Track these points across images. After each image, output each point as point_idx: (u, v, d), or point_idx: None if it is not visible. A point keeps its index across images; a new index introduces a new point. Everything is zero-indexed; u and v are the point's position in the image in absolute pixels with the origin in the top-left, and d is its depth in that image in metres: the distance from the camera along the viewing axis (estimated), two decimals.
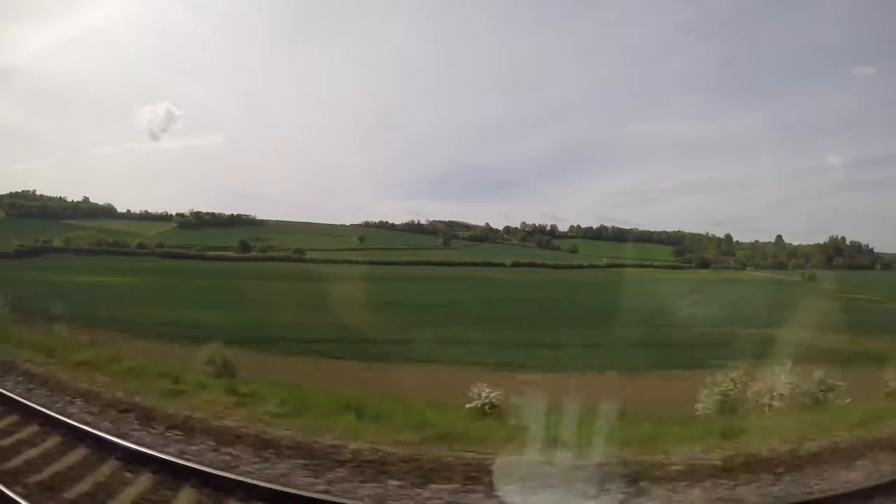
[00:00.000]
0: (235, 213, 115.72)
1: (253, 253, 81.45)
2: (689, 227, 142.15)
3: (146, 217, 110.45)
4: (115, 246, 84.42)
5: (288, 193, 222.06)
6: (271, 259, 79.19)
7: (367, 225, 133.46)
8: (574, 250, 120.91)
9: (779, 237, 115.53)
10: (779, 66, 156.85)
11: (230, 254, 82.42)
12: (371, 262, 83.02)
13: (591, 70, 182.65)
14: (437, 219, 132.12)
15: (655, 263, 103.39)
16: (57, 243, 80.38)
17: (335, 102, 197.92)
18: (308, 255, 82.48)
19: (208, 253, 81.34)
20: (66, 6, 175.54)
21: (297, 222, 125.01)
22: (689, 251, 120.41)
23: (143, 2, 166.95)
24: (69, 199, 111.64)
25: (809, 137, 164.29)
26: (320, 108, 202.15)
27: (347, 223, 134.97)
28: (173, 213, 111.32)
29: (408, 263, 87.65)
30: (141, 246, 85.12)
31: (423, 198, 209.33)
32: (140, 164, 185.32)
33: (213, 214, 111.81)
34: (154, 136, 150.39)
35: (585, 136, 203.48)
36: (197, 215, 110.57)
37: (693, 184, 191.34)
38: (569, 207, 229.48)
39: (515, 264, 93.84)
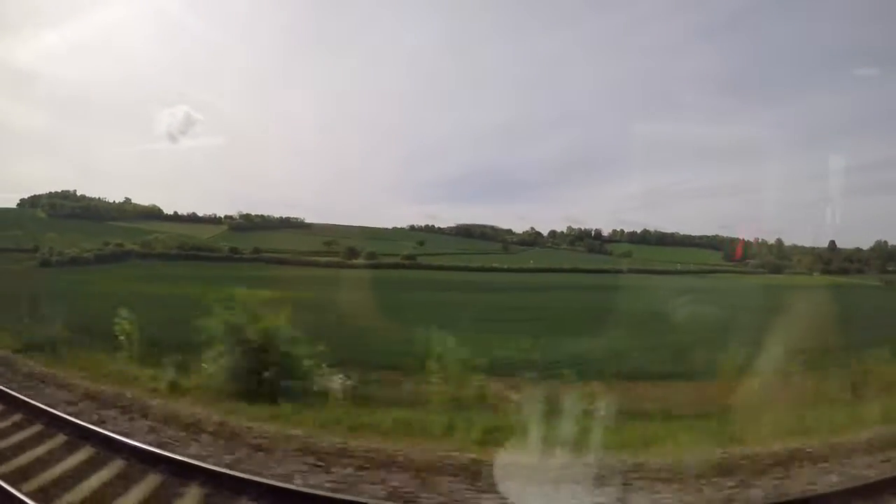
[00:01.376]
0: (284, 216, 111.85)
1: (360, 260, 77.55)
2: (702, 231, 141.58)
3: (194, 219, 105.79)
4: (202, 250, 79.29)
5: (304, 197, 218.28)
6: (395, 266, 75.47)
7: (413, 229, 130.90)
8: (628, 254, 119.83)
9: (832, 242, 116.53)
10: (798, 66, 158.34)
11: (338, 259, 78.30)
12: (519, 270, 79.12)
13: (605, 72, 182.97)
14: (460, 222, 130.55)
15: (730, 269, 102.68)
16: (131, 247, 75.37)
17: (349, 106, 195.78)
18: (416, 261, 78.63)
19: (309, 259, 77.22)
20: (84, 14, 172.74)
21: (346, 225, 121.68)
22: (738, 256, 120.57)
23: (160, 9, 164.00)
24: (109, 200, 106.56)
25: (831, 138, 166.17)
26: (335, 111, 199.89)
27: (389, 226, 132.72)
28: (221, 216, 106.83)
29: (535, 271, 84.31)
30: (234, 251, 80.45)
31: (439, 201, 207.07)
32: (158, 167, 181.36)
33: (262, 217, 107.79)
34: (173, 139, 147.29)
35: (600, 138, 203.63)
36: (247, 218, 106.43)
37: (709, 188, 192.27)
38: (587, 210, 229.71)
39: (611, 271, 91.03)
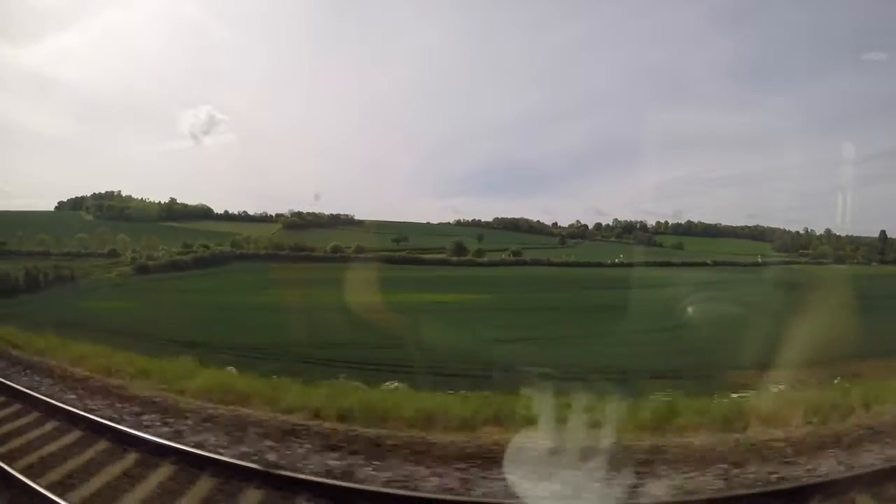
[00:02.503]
0: (334, 213, 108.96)
1: (469, 257, 75.01)
2: (727, 221, 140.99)
3: (246, 218, 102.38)
4: (302, 250, 75.55)
5: (326, 193, 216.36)
6: (500, 263, 72.95)
7: (458, 223, 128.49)
8: (679, 247, 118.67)
9: (883, 232, 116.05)
10: (820, 49, 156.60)
11: (446, 256, 75.73)
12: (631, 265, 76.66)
13: (623, 61, 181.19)
14: (478, 216, 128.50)
15: (797, 260, 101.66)
16: (218, 249, 71.64)
17: (369, 102, 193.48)
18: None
19: (424, 256, 74.31)
20: (107, 19, 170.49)
21: (394, 222, 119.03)
22: (787, 246, 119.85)
23: (180, 14, 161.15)
24: (153, 201, 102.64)
25: (856, 124, 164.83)
26: (355, 108, 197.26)
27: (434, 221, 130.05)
28: (272, 214, 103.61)
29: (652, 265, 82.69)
30: (336, 249, 77.25)
31: (460, 195, 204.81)
32: (180, 166, 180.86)
33: (314, 214, 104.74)
34: (196, 139, 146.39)
35: (621, 128, 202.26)
36: (299, 216, 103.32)
37: (731, 177, 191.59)
38: (609, 202, 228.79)
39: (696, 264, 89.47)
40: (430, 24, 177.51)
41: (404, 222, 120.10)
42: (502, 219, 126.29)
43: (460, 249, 78.88)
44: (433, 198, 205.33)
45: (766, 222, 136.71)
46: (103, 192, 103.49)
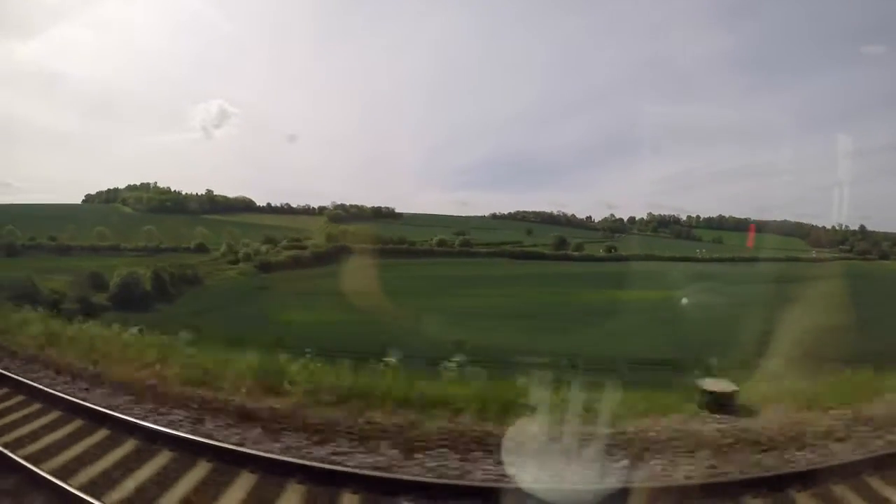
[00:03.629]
0: (376, 206, 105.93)
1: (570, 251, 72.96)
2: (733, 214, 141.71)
3: (288, 210, 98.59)
4: (400, 244, 71.52)
5: (334, 185, 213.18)
6: (595, 259, 71.01)
7: (494, 217, 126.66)
8: (719, 241, 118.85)
9: None
10: (824, 41, 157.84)
11: (548, 251, 73.54)
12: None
13: (626, 55, 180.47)
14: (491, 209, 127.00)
15: (847, 256, 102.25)
16: (312, 243, 66.68)
17: (374, 95, 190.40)
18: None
19: (546, 252, 71.70)
20: (111, 14, 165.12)
21: (431, 214, 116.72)
22: (821, 242, 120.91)
23: (185, 9, 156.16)
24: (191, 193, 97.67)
25: (858, 117, 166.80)
26: (360, 100, 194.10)
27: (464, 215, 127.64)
28: (315, 207, 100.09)
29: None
30: (442, 243, 73.90)
31: (467, 188, 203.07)
32: (189, 159, 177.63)
33: (358, 207, 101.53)
34: (207, 133, 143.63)
35: (625, 122, 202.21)
36: (343, 208, 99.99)
37: (738, 169, 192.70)
38: (619, 195, 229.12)
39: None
40: (436, 18, 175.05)
41: (442, 215, 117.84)
42: (540, 213, 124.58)
43: (562, 244, 77.19)
44: (439, 190, 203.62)
45: (771, 216, 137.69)
46: (138, 183, 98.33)
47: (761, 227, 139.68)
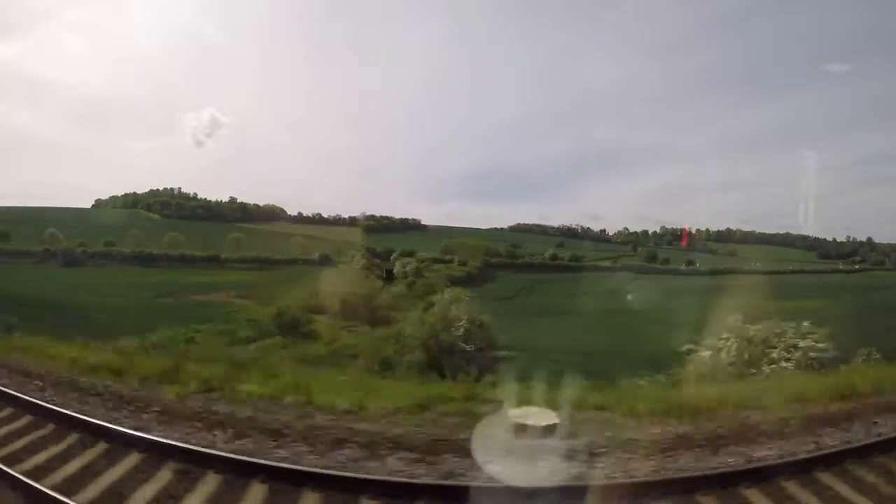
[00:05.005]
0: (403, 217, 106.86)
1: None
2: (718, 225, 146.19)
3: (320, 220, 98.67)
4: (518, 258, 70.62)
5: (323, 196, 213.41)
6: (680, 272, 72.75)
7: (514, 229, 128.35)
8: (733, 254, 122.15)
9: None
10: (809, 56, 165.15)
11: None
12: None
13: (615, 68, 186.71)
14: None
15: (866, 267, 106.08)
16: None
17: (365, 107, 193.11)
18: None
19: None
20: (105, 22, 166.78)
21: (451, 227, 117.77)
22: (829, 253, 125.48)
23: (176, 20, 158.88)
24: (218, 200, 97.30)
25: (845, 130, 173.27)
26: (350, 111, 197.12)
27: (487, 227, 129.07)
28: (345, 216, 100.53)
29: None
30: (554, 257, 73.51)
31: (455, 199, 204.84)
32: (180, 167, 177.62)
33: (388, 218, 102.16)
34: (198, 142, 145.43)
35: (613, 134, 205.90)
36: (373, 219, 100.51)
37: (724, 183, 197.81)
38: (605, 207, 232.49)
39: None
40: (425, 29, 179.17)
41: (463, 227, 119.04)
42: (562, 227, 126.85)
43: (653, 258, 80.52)
44: (428, 202, 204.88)
45: (760, 228, 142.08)
46: (160, 188, 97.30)
47: (767, 239, 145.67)
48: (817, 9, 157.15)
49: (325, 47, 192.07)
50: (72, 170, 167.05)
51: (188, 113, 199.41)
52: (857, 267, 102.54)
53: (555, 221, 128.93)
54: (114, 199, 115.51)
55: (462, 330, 24.65)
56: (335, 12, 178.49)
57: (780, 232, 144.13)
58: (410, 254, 66.71)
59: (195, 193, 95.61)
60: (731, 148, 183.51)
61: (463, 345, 24.03)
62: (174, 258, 66.06)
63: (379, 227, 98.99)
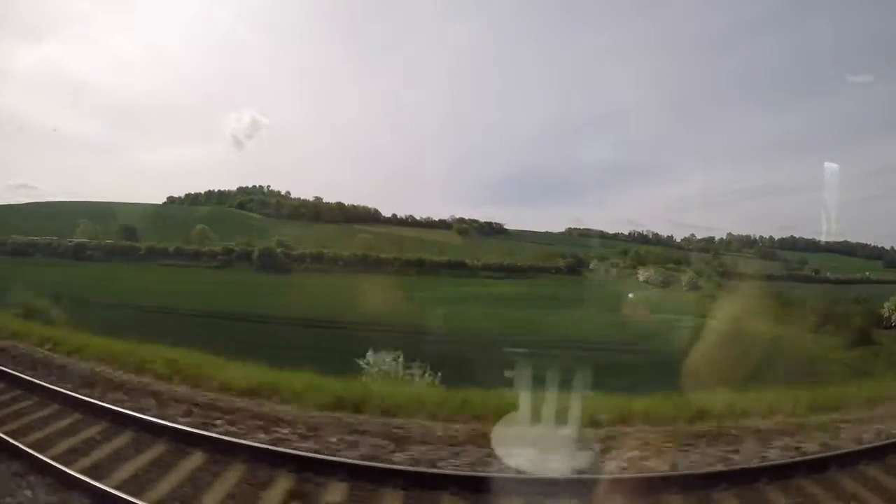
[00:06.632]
0: (487, 221, 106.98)
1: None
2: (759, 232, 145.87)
3: (412, 223, 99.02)
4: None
5: (358, 199, 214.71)
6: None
7: (576, 232, 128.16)
8: (804, 262, 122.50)
9: None
10: (844, 59, 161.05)
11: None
12: None
13: (650, 71, 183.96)
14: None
15: None
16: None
17: (398, 109, 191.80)
18: None
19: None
20: (145, 26, 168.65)
21: (534, 231, 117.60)
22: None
23: (210, 20, 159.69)
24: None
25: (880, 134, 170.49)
26: (383, 114, 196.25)
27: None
28: (436, 219, 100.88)
29: None
30: None
31: (489, 204, 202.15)
32: (220, 172, 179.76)
33: (477, 222, 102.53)
34: (238, 144, 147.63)
35: (651, 137, 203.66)
36: (462, 221, 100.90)
37: (760, 187, 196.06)
38: (641, 212, 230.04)
39: None
40: (459, 32, 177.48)
41: (541, 232, 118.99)
42: (633, 233, 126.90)
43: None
44: (465, 206, 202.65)
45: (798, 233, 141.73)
46: (249, 186, 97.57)
47: (828, 247, 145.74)
48: (849, 14, 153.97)
49: (363, 49, 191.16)
50: (111, 170, 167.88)
51: (229, 114, 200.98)
52: None
53: (592, 227, 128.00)
54: (189, 196, 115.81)
55: None
56: (367, 17, 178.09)
57: (839, 240, 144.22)
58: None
59: (288, 192, 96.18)
60: (776, 149, 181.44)
61: None
62: (410, 263, 55.17)
63: (469, 230, 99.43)
